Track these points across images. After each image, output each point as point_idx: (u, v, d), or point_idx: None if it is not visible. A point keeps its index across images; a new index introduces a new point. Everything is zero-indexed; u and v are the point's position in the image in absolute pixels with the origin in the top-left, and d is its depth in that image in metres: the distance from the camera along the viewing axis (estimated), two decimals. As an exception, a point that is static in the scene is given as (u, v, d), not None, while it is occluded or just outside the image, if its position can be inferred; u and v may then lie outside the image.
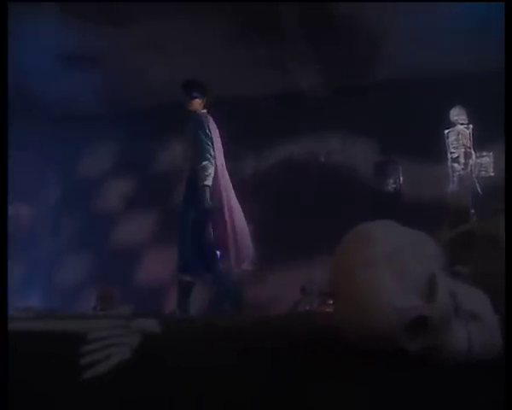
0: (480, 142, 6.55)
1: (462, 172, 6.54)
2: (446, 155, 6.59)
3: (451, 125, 6.54)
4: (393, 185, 6.81)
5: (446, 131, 6.54)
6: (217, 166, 4.48)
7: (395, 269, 1.07)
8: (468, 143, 6.56)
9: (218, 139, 4.63)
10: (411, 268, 1.09)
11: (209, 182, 4.38)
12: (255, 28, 5.70)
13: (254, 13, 5.49)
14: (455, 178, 6.50)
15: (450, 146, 6.55)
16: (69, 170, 7.82)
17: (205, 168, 4.38)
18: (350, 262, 1.13)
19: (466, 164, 6.56)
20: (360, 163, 6.85)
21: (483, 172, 6.64)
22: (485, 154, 6.69)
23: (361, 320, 1.08)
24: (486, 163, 6.69)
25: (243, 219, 4.59)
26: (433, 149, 6.46)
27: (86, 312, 4.73)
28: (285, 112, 6.76)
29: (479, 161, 6.65)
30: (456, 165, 6.55)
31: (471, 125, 6.53)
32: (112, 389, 1.13)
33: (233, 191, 4.60)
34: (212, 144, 4.50)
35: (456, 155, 6.55)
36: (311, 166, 6.85)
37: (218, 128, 4.67)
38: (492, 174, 6.62)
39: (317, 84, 6.52)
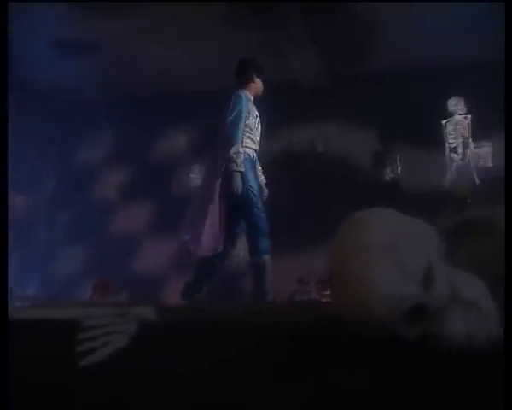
0: (479, 132, 6.56)
1: (460, 162, 6.55)
2: (444, 145, 6.60)
3: (449, 115, 6.56)
4: (391, 175, 6.81)
5: (444, 122, 6.56)
6: None
7: (393, 256, 1.07)
8: (467, 134, 6.58)
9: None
10: (409, 256, 1.09)
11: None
12: (253, 15, 5.67)
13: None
14: (453, 168, 6.52)
15: (449, 136, 6.57)
16: (65, 159, 7.80)
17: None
18: (346, 248, 1.13)
19: (464, 154, 6.58)
20: (358, 152, 6.85)
21: (481, 163, 6.65)
22: (483, 144, 6.70)
23: (358, 307, 1.09)
24: (484, 153, 6.70)
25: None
26: (432, 139, 6.47)
27: (84, 300, 4.74)
28: (282, 100, 6.75)
29: (477, 151, 6.66)
30: (454, 155, 6.57)
31: (469, 116, 6.55)
32: (109, 377, 1.13)
33: None
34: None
35: (454, 145, 6.58)
36: (310, 156, 6.85)
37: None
38: (490, 165, 6.63)
39: (315, 73, 6.50)
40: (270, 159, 7.04)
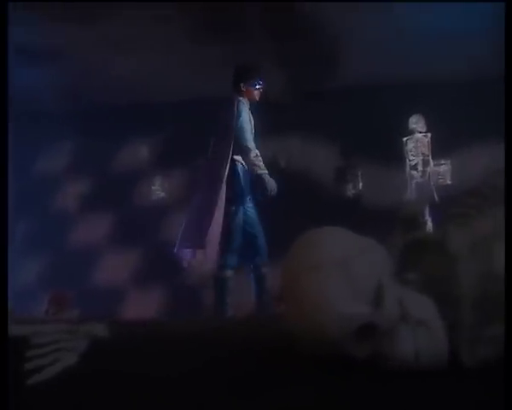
0: (438, 150, 6.69)
1: (419, 180, 6.68)
2: (405, 162, 6.71)
3: (410, 132, 6.68)
4: (353, 191, 6.89)
5: (405, 139, 6.67)
6: None
7: (343, 275, 1.09)
8: (426, 151, 6.71)
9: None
10: (360, 275, 1.11)
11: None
12: (218, 27, 5.68)
13: (218, 11, 5.47)
14: (413, 186, 6.63)
15: (409, 153, 6.68)
16: (25, 168, 7.67)
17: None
18: (297, 266, 1.14)
19: (424, 172, 6.71)
20: (320, 168, 6.90)
21: (441, 180, 6.79)
22: (442, 162, 6.84)
23: (308, 325, 1.10)
24: (444, 171, 6.84)
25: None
26: (393, 156, 6.56)
27: (35, 315, 4.65)
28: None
29: (436, 169, 6.79)
30: (414, 172, 6.68)
31: (429, 134, 6.68)
32: (58, 395, 1.11)
33: None
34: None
35: (414, 163, 6.69)
36: (271, 172, 6.87)
37: None
38: (450, 182, 6.77)
39: (278, 87, 6.53)
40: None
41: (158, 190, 7.08)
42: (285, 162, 6.98)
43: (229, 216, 4.31)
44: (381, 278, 1.13)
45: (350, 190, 6.62)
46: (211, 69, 6.09)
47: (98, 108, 7.04)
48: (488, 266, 1.28)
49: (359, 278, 1.11)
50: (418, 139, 6.69)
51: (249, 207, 4.43)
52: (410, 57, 5.87)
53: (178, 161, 6.93)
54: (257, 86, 4.62)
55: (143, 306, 6.18)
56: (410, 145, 6.68)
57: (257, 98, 4.65)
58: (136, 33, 5.65)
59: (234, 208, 4.33)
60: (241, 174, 4.41)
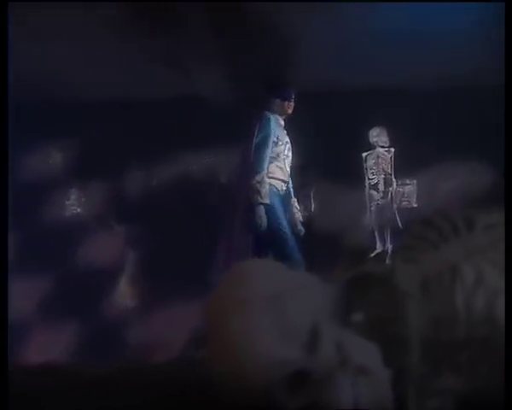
0: (403, 168, 6.76)
1: (380, 202, 6.72)
2: (364, 180, 6.75)
3: (371, 147, 6.73)
4: (304, 213, 6.93)
5: (364, 154, 6.71)
6: None
7: (274, 315, 1.12)
8: (389, 169, 6.74)
9: None
10: (293, 315, 1.14)
11: None
12: (151, 21, 5.69)
13: (152, 4, 5.50)
14: (372, 208, 6.66)
15: (369, 171, 6.72)
16: None
17: None
18: (224, 304, 1.16)
19: (386, 192, 6.74)
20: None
21: (405, 203, 6.86)
22: (408, 182, 6.92)
23: (233, 370, 1.12)
24: (409, 192, 6.90)
25: None
26: (350, 174, 6.59)
27: None
28: (181, 120, 6.77)
29: (400, 189, 6.86)
30: (374, 192, 6.73)
31: (392, 149, 6.72)
32: None
33: None
34: None
35: (374, 182, 6.75)
36: (210, 188, 6.88)
37: None
38: (415, 205, 6.85)
39: (220, 91, 6.56)
40: (162, 190, 7.05)
41: (73, 204, 6.98)
42: (226, 177, 7.00)
43: None
44: (318, 319, 1.16)
45: (301, 212, 6.67)
46: (141, 67, 6.11)
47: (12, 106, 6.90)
48: (441, 308, 1.33)
49: (292, 317, 1.14)
50: (380, 155, 6.73)
51: None
52: (372, 62, 5.98)
53: (99, 171, 6.86)
54: (291, 98, 4.82)
55: (51, 346, 6.05)
56: (371, 161, 6.72)
57: (289, 111, 4.78)
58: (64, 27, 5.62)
59: None
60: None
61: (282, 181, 4.60)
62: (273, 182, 4.49)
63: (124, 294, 6.34)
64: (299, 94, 5.61)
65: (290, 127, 5.54)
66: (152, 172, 7.00)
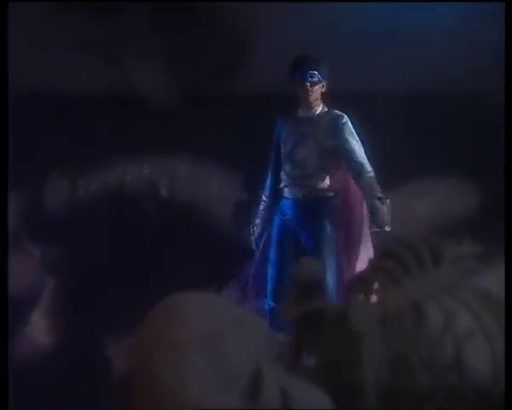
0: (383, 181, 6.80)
1: None
2: None
3: None
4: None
5: None
6: None
7: (209, 356, 1.14)
8: None
9: None
10: (231, 356, 1.16)
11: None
12: (100, 19, 5.72)
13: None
14: None
15: None
16: None
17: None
18: (149, 344, 1.18)
19: None
20: (215, 200, 6.91)
21: (374, 227, 6.89)
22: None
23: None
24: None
25: None
26: None
27: None
28: (117, 123, 6.75)
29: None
30: None
31: None
32: None
33: None
34: None
35: None
36: (148, 201, 6.85)
37: None
38: (388, 229, 6.86)
39: (162, 91, 6.57)
40: (92, 202, 6.99)
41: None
42: (167, 190, 6.99)
43: None
44: (260, 361, 1.19)
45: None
46: (74, 60, 6.12)
47: None
48: (402, 351, 1.37)
49: (231, 359, 1.16)
50: None
51: None
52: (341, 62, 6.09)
53: (11, 179, 6.80)
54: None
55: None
56: None
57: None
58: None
59: None
60: None
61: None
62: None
63: (39, 329, 6.26)
64: (258, 96, 5.70)
65: (251, 133, 5.67)
66: (78, 181, 6.94)
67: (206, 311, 1.22)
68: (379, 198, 5.11)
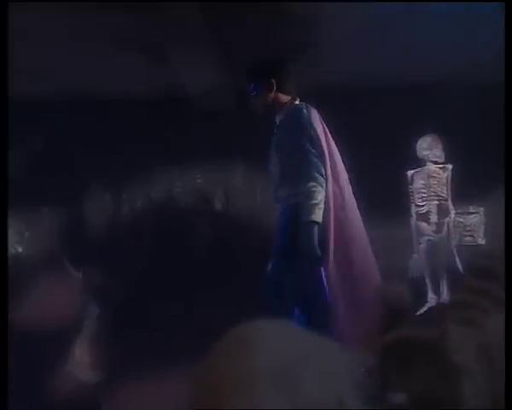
0: (464, 191, 6.69)
1: (433, 237, 6.62)
2: (410, 207, 6.71)
3: (419, 162, 6.68)
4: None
5: (411, 173, 6.66)
6: (328, 190, 4.79)
7: (284, 390, 1.15)
8: (445, 193, 6.67)
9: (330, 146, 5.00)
10: (308, 390, 1.17)
11: (319, 216, 4.68)
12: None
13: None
14: (422, 245, 6.58)
15: (417, 195, 6.67)
16: None
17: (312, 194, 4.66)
18: (217, 378, 1.19)
19: (440, 224, 6.66)
20: (270, 213, 6.90)
21: (467, 238, 6.76)
22: (471, 210, 6.86)
23: None
24: (473, 224, 6.84)
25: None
26: (391, 198, 6.55)
27: None
28: (162, 126, 6.80)
29: (461, 219, 6.79)
30: (424, 224, 6.66)
31: (449, 166, 6.66)
32: None
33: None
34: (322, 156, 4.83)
35: (424, 210, 6.67)
36: (200, 214, 6.88)
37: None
38: (483, 242, 6.72)
39: (212, 89, 6.60)
40: (136, 216, 7.05)
41: (12, 241, 7.04)
42: (221, 201, 7.01)
43: None
44: (341, 395, 1.20)
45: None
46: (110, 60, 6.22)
47: None
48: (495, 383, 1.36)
49: (308, 393, 1.17)
50: (431, 173, 6.68)
51: None
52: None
53: (49, 196, 6.91)
54: None
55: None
56: (419, 182, 6.69)
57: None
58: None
59: None
60: None
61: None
62: None
63: (81, 361, 6.33)
64: (322, 92, 5.71)
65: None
66: (122, 195, 7.01)
67: (279, 339, 1.23)
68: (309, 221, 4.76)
